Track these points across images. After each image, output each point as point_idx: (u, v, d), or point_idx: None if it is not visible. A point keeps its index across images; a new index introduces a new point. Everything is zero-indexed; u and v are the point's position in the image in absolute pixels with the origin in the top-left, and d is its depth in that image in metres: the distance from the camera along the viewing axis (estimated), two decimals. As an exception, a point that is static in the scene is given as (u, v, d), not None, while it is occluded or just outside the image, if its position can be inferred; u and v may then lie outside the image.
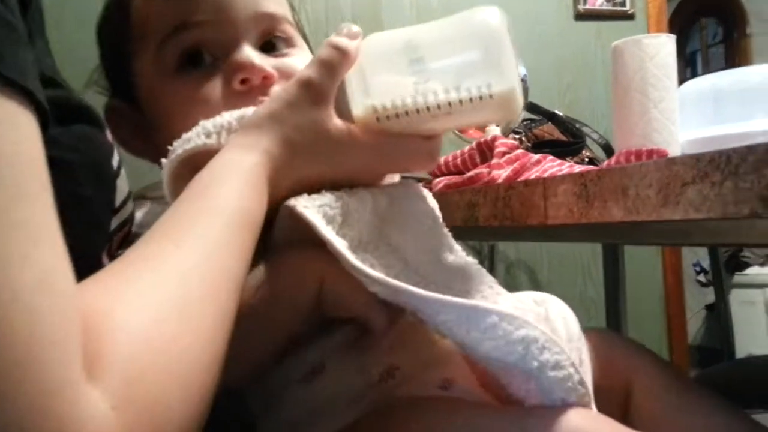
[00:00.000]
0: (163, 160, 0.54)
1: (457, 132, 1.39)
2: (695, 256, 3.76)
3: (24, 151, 0.32)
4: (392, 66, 0.51)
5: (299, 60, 0.61)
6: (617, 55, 0.88)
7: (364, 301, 0.49)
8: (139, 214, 0.60)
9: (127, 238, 0.57)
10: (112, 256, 0.54)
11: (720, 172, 0.44)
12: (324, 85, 0.50)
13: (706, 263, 3.48)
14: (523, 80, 1.40)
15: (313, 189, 0.51)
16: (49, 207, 0.32)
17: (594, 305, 2.46)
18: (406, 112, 0.50)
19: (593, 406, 0.49)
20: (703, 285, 3.69)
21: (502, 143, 0.97)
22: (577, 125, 1.29)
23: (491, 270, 2.33)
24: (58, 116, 0.40)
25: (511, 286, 2.42)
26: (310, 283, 0.50)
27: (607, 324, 1.46)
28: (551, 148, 1.20)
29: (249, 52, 0.58)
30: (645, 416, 0.63)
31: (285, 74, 0.59)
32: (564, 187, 0.63)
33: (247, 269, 0.44)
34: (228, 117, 0.53)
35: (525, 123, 1.36)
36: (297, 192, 0.50)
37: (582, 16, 2.55)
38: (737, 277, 3.43)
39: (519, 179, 0.90)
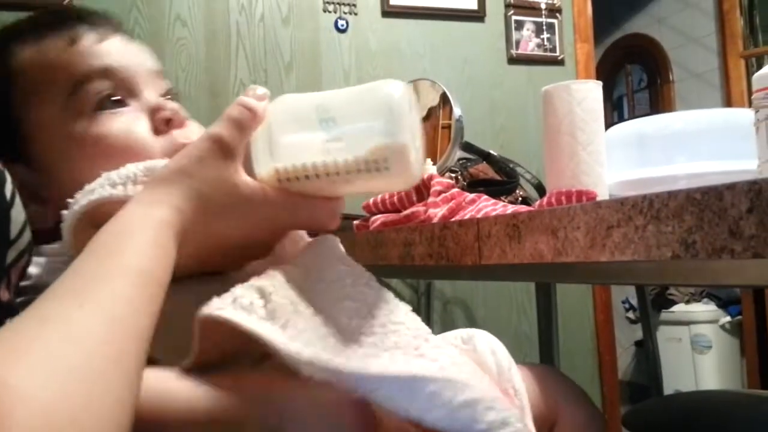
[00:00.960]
0: (64, 212, 0.52)
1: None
2: (624, 293, 3.86)
3: None
4: (302, 125, 0.51)
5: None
6: (547, 99, 0.90)
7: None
8: (35, 270, 0.55)
9: (26, 268, 0.54)
10: (13, 287, 0.51)
11: (643, 216, 0.46)
12: (233, 142, 0.51)
13: (635, 300, 3.58)
14: (459, 120, 1.42)
15: (221, 245, 0.51)
16: None
17: (528, 341, 2.49)
18: (306, 176, 0.51)
19: None
20: (633, 322, 3.79)
21: (438, 182, 0.99)
22: (511, 165, 1.32)
23: (428, 307, 2.33)
24: None
25: (448, 322, 2.46)
26: (272, 418, 0.45)
27: (541, 359, 1.48)
28: (486, 187, 1.22)
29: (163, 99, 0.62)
30: None
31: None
32: (497, 228, 0.64)
33: (152, 328, 0.41)
34: (133, 168, 0.53)
35: (461, 162, 1.38)
36: (205, 247, 0.50)
37: (514, 61, 2.63)
38: (664, 314, 3.51)
39: (454, 218, 0.91)
